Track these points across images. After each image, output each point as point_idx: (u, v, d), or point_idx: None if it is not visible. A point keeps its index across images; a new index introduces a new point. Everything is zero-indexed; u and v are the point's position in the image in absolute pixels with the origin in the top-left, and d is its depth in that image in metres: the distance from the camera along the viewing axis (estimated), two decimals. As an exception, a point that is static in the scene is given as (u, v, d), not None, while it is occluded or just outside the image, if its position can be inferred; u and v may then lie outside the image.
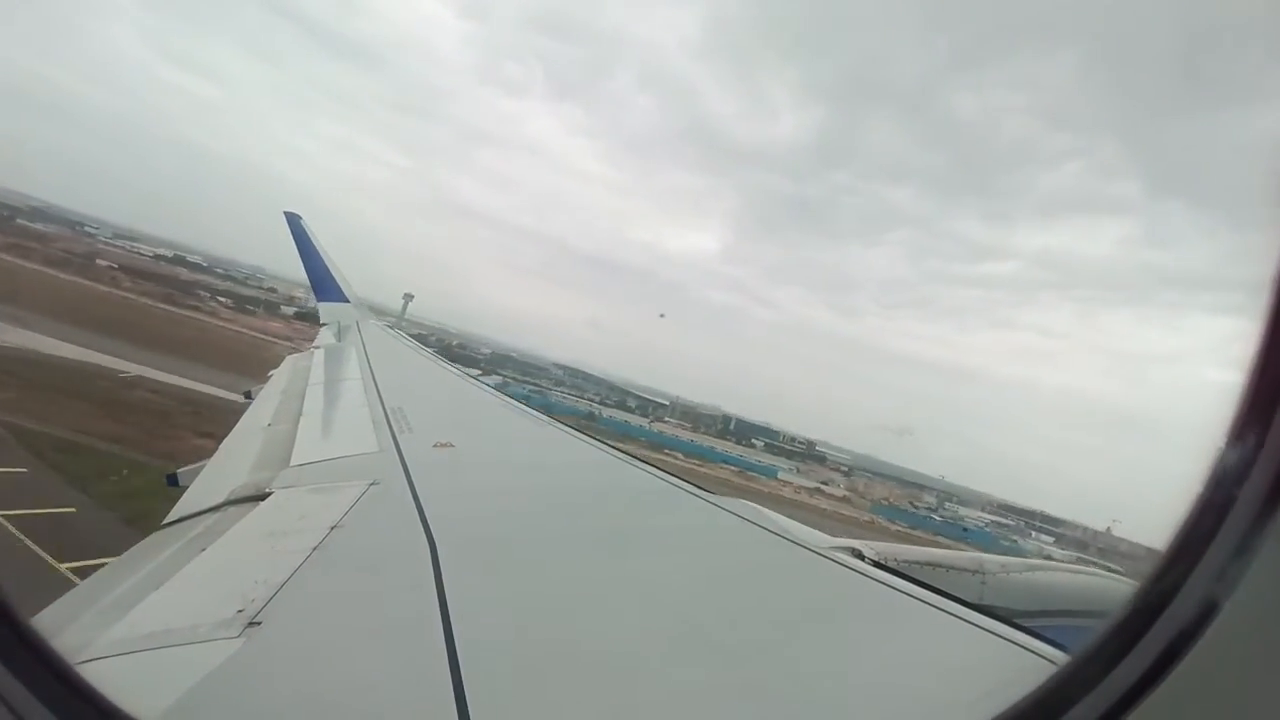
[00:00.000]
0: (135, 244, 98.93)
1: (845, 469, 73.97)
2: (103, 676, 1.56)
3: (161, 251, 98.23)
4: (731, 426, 76.26)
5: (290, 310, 73.26)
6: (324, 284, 13.07)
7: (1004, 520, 73.43)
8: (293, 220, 13.49)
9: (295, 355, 9.48)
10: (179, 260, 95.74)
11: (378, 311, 15.38)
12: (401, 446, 4.15)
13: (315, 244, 13.37)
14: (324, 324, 12.13)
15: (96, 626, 1.94)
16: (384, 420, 4.97)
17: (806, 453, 77.71)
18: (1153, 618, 0.90)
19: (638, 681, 1.70)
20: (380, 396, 5.96)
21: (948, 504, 73.31)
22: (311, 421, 5.38)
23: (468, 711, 1.43)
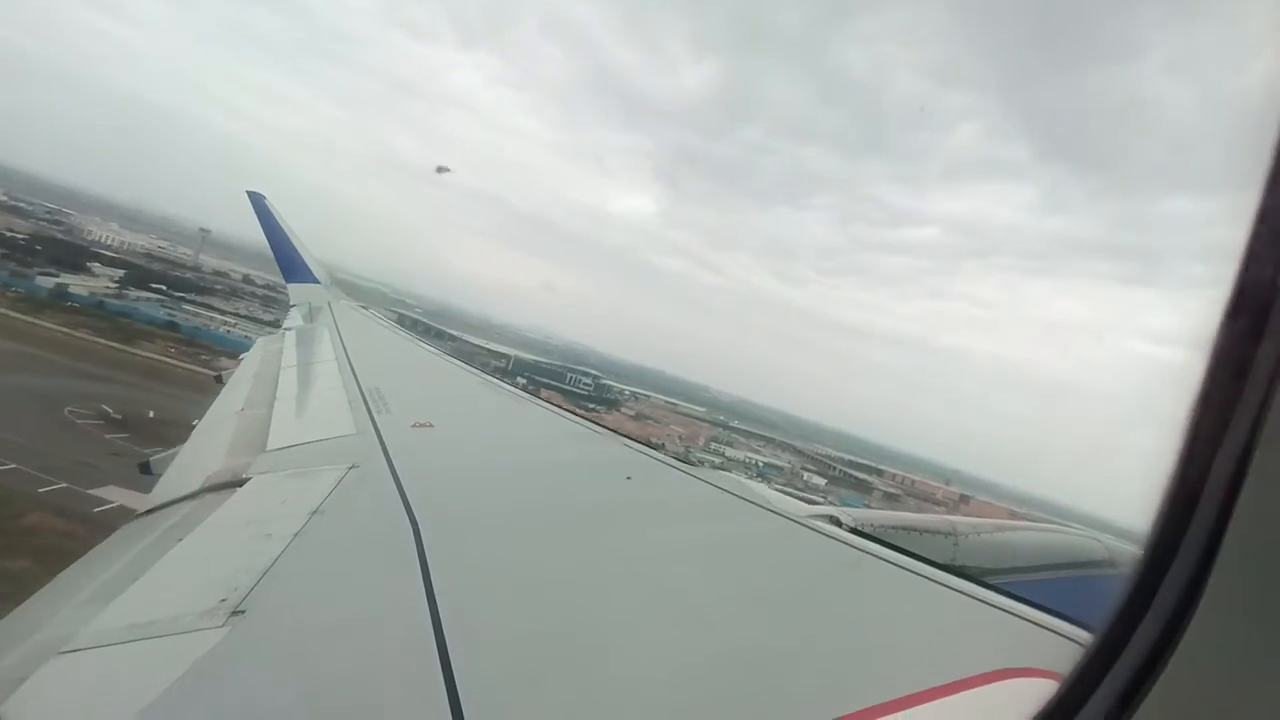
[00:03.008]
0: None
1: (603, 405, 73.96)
2: (87, 668, 1.65)
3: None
4: (510, 366, 75.28)
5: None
6: (292, 265, 12.29)
7: (779, 463, 73.65)
8: (256, 200, 12.49)
9: (266, 338, 9.34)
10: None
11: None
12: (380, 428, 4.11)
13: (281, 224, 12.40)
14: (293, 304, 11.48)
15: (78, 618, 1.92)
16: (361, 401, 4.89)
17: (588, 394, 77.56)
18: (1140, 613, 0.89)
19: (625, 655, 1.73)
20: (356, 377, 5.87)
21: (715, 443, 73.19)
22: (286, 405, 5.25)
23: (458, 695, 1.43)
